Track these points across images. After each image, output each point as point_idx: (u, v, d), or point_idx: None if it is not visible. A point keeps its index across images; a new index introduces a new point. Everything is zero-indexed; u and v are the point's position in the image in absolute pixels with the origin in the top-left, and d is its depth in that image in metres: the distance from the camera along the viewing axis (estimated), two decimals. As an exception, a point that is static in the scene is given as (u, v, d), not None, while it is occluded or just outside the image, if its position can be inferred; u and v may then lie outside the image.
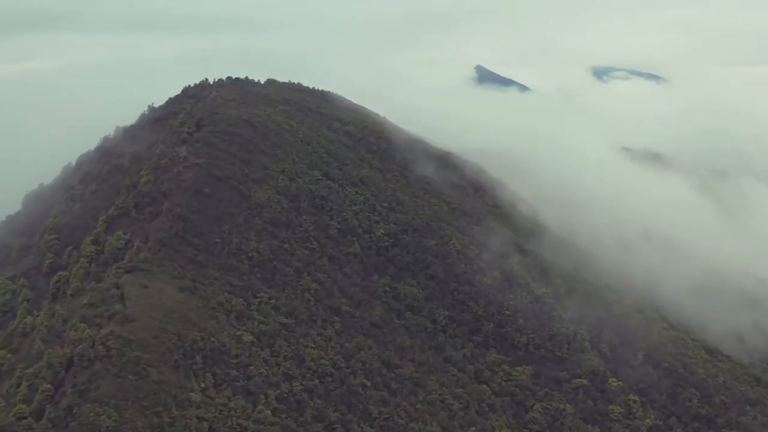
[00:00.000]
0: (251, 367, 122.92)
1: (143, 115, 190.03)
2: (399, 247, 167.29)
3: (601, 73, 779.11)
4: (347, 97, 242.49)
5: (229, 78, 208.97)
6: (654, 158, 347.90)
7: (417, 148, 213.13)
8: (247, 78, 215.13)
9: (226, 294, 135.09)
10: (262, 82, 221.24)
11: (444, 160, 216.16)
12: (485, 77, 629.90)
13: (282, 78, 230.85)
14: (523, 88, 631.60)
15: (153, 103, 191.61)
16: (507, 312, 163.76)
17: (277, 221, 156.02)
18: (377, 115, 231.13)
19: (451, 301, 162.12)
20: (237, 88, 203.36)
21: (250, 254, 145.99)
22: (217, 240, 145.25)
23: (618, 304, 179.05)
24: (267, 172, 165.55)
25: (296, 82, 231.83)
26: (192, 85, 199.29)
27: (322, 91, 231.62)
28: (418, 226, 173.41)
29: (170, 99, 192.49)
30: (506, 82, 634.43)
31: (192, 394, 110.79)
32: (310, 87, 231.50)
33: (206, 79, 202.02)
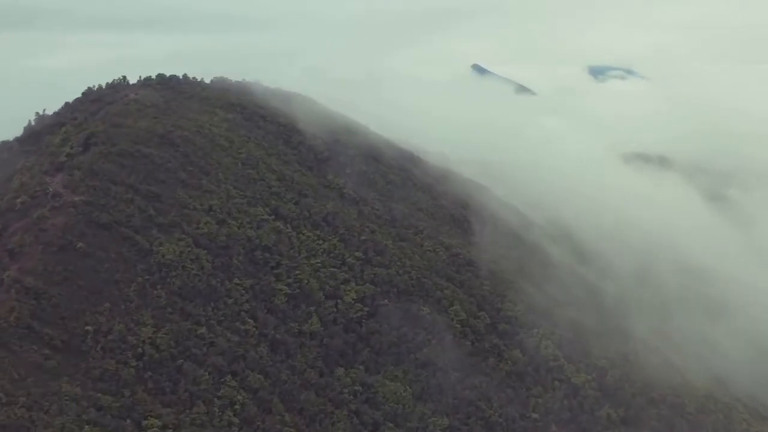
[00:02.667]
0: None
1: (29, 127, 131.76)
2: (377, 319, 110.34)
3: (597, 72, 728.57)
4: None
5: (160, 75, 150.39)
6: (657, 162, 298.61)
7: (407, 167, 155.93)
8: (185, 76, 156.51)
9: (86, 427, 77.81)
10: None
11: (440, 182, 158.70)
12: (482, 76, 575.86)
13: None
14: (520, 87, 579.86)
15: (45, 110, 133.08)
16: (534, 415, 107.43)
17: (191, 290, 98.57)
18: (358, 123, 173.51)
19: (452, 401, 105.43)
20: (167, 89, 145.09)
21: (140, 349, 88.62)
22: (87, 328, 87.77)
23: (686, 391, 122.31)
24: (184, 212, 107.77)
25: (255, 81, 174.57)
26: (102, 85, 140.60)
27: (288, 93, 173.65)
28: (406, 286, 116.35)
29: (66, 104, 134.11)
30: (503, 81, 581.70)
31: None
32: (272, 87, 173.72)
33: (124, 78, 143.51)
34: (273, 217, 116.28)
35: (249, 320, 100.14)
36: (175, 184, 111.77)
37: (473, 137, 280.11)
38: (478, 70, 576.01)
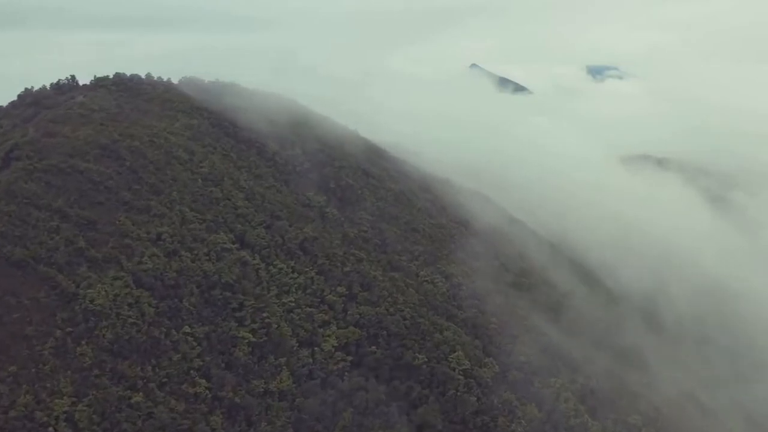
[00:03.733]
0: None
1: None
2: (363, 372, 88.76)
3: (596, 72, 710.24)
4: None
5: (118, 75, 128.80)
6: (660, 165, 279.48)
7: (401, 179, 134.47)
8: (149, 75, 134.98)
9: None
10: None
11: (439, 196, 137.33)
12: (480, 76, 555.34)
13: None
14: (518, 87, 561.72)
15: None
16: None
17: (126, 345, 76.87)
18: (347, 129, 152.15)
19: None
20: (123, 91, 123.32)
21: (52, 429, 67.07)
22: (-17, 402, 66.26)
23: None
24: (124, 243, 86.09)
25: (231, 81, 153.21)
26: (47, 86, 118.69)
27: (267, 94, 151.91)
28: (399, 328, 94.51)
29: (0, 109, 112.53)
30: (501, 81, 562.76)
31: None
32: (250, 88, 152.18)
33: (72, 77, 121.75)
34: (237, 245, 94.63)
35: (200, 380, 78.58)
36: (116, 207, 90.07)
37: (470, 139, 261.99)
38: (476, 69, 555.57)
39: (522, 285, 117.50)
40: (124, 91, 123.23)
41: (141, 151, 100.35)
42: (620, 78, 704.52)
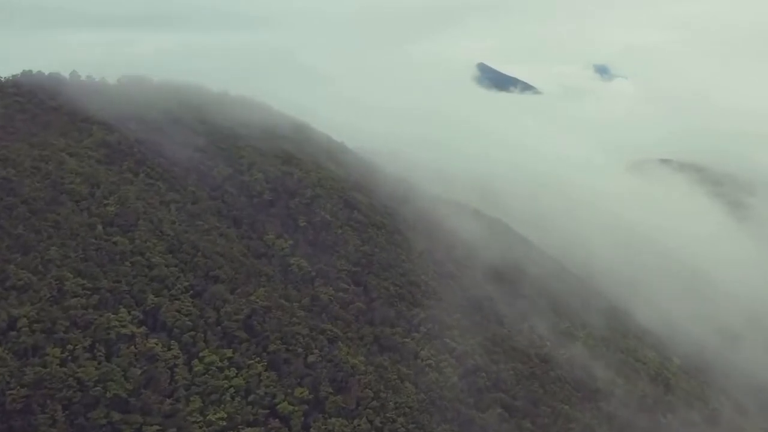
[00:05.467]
0: None
1: None
2: None
3: (603, 71, 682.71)
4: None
5: (27, 73, 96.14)
6: (667, 167, 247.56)
7: (394, 208, 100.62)
8: (75, 74, 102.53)
9: None
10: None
11: (444, 230, 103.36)
12: (487, 75, 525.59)
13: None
14: (526, 86, 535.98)
15: None
16: None
17: None
18: (329, 139, 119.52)
19: None
20: (22, 95, 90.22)
21: None
22: None
23: None
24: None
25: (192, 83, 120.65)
26: None
27: (236, 98, 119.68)
28: (386, 452, 61.37)
29: None
30: (508, 81, 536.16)
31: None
32: (215, 90, 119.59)
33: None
34: (144, 329, 61.39)
35: None
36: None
37: (475, 141, 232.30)
38: (484, 69, 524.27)
39: (560, 363, 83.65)
40: (24, 95, 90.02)
41: (11, 185, 67.19)
42: (625, 78, 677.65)
